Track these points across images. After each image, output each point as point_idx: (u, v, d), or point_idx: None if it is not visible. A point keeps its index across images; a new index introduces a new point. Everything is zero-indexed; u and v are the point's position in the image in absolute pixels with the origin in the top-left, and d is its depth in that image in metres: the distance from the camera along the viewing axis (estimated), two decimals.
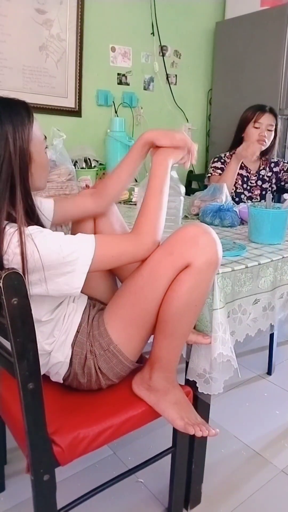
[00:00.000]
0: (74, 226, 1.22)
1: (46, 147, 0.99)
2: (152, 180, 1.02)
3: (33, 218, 0.92)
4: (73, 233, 1.19)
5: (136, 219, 1.00)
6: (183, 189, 1.33)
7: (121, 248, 0.95)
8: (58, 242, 0.87)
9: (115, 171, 1.18)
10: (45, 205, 1.13)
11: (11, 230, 0.85)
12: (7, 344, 0.82)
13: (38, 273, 0.86)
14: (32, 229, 0.86)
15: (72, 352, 0.99)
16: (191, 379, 1.09)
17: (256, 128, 1.98)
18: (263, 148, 2.01)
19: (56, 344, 0.99)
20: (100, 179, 2.34)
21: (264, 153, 2.09)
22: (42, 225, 0.93)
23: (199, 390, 1.07)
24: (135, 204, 1.35)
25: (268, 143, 2.01)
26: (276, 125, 2.03)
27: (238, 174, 2.05)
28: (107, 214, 1.21)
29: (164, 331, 0.98)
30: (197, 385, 1.07)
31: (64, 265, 0.87)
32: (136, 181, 2.61)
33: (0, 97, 0.91)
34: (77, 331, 1.01)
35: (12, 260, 0.83)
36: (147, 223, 0.97)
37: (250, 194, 2.11)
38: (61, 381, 1.03)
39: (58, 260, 0.86)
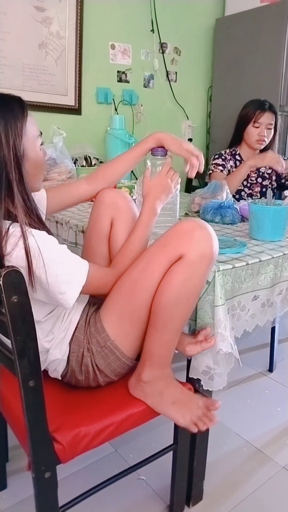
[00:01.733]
0: (92, 222, 1.18)
1: (41, 144, 0.98)
2: (140, 225, 1.08)
3: (32, 215, 0.91)
4: (90, 221, 1.18)
5: (117, 255, 1.07)
6: (178, 186, 1.33)
7: (104, 280, 1.01)
8: (62, 258, 0.90)
9: (117, 159, 1.21)
10: (37, 197, 1.11)
11: (16, 232, 0.85)
12: (8, 342, 0.82)
13: (39, 283, 0.88)
14: (39, 237, 0.86)
15: (69, 349, 0.99)
16: (195, 377, 1.08)
17: (256, 127, 1.98)
18: (262, 146, 2.01)
19: (54, 342, 0.99)
20: None
21: (264, 150, 2.09)
22: (42, 221, 0.93)
23: (204, 388, 1.07)
24: (135, 201, 1.36)
25: (267, 141, 2.01)
26: (276, 122, 2.02)
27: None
28: (126, 211, 1.16)
29: (155, 324, 0.97)
30: (202, 382, 1.07)
31: (60, 283, 0.89)
32: (136, 178, 2.61)
33: None
34: (75, 329, 1.01)
35: (16, 263, 0.84)
36: (127, 264, 1.03)
37: (250, 191, 2.10)
38: (60, 378, 1.03)
39: (56, 276, 0.88)
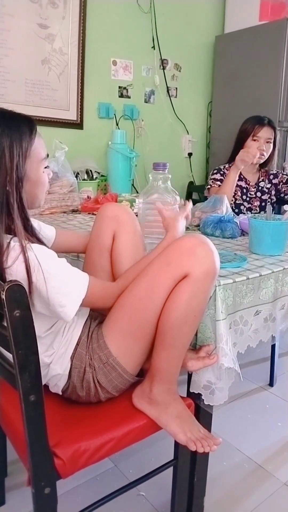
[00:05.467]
0: (94, 235, 1.18)
1: (46, 167, 0.99)
2: (157, 251, 1.05)
3: (32, 234, 0.93)
4: (92, 234, 1.18)
5: (128, 270, 1.06)
6: (178, 198, 1.35)
7: (106, 293, 1.01)
8: (61, 272, 0.90)
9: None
10: (46, 231, 1.16)
11: (16, 246, 0.86)
12: (9, 356, 0.82)
13: (39, 296, 0.89)
14: (38, 251, 0.87)
15: (71, 365, 0.99)
16: (196, 392, 1.08)
17: (255, 141, 2.01)
18: (261, 160, 2.03)
19: (55, 356, 0.99)
20: (101, 190, 2.35)
21: (263, 165, 2.11)
22: (40, 241, 0.94)
23: (205, 402, 1.07)
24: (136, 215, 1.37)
25: (266, 155, 2.03)
26: (275, 137, 2.05)
27: (237, 185, 2.06)
28: (128, 225, 1.16)
29: (163, 342, 0.98)
30: (203, 397, 1.07)
31: (60, 295, 0.89)
32: (137, 191, 2.63)
33: (5, 110, 0.92)
34: (77, 344, 1.00)
35: (16, 277, 0.85)
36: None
37: (249, 205, 2.12)
38: (60, 393, 1.03)
39: (56, 289, 0.88)
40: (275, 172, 2.14)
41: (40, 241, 0.94)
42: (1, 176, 0.87)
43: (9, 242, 0.86)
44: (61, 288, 0.89)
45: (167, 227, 1.12)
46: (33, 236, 0.93)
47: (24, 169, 0.90)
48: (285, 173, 2.14)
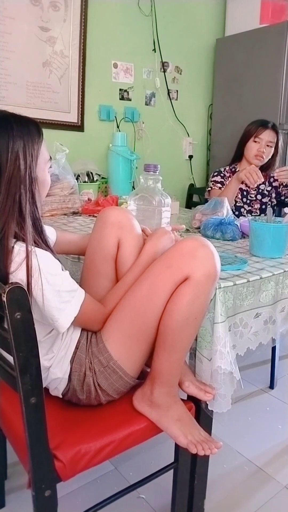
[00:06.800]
0: (96, 241, 1.14)
1: (50, 167, 1.01)
2: (138, 267, 1.06)
3: (40, 236, 0.93)
4: (93, 240, 1.15)
5: (110, 294, 1.06)
6: (168, 201, 1.35)
7: (96, 316, 1.01)
8: (60, 286, 0.90)
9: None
10: (47, 233, 1.15)
11: (21, 251, 0.86)
12: (10, 358, 0.82)
13: (34, 304, 0.89)
14: (42, 259, 0.87)
15: (70, 368, 0.99)
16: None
17: (256, 142, 2.01)
18: (260, 163, 2.03)
19: (55, 360, 0.99)
20: (102, 192, 2.35)
21: (264, 168, 2.12)
22: (47, 244, 0.95)
23: (209, 408, 1.07)
24: None
25: (266, 158, 2.03)
26: (277, 142, 2.05)
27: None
28: (131, 230, 1.13)
29: (164, 344, 0.98)
30: (207, 401, 1.07)
31: (54, 309, 0.90)
32: (133, 188, 2.63)
33: (14, 114, 0.93)
34: (76, 348, 1.00)
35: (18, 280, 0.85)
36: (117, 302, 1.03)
37: (250, 207, 2.12)
38: (61, 396, 1.03)
39: (50, 302, 0.89)
40: (275, 175, 2.14)
41: (47, 245, 0.94)
42: (14, 177, 0.88)
43: (13, 246, 0.87)
44: (56, 302, 0.89)
45: (147, 240, 1.12)
46: (40, 239, 0.93)
47: (35, 170, 0.92)
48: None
